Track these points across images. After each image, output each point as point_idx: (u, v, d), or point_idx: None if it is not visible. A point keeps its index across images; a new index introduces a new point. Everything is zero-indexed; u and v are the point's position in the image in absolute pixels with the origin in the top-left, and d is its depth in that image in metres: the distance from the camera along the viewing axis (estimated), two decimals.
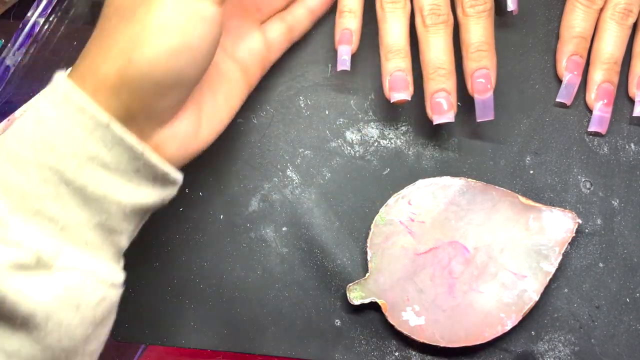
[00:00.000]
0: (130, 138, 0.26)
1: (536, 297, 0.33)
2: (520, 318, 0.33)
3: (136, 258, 0.36)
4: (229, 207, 0.37)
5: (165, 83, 0.27)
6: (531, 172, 0.36)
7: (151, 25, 0.26)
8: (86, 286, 0.26)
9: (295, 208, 0.36)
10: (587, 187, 0.36)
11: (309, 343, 0.35)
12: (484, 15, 0.32)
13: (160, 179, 0.28)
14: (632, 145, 0.37)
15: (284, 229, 0.36)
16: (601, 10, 0.37)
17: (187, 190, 0.37)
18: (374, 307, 0.34)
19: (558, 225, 0.34)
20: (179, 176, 0.30)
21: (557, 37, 0.38)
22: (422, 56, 0.33)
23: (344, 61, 0.35)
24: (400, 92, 0.33)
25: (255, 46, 0.34)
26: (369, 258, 0.34)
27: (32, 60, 0.38)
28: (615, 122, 0.37)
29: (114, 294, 0.28)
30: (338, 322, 0.35)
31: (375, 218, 0.35)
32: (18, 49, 0.38)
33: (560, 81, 0.37)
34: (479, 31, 0.32)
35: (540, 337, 0.34)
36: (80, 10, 0.40)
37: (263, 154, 0.37)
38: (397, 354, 0.35)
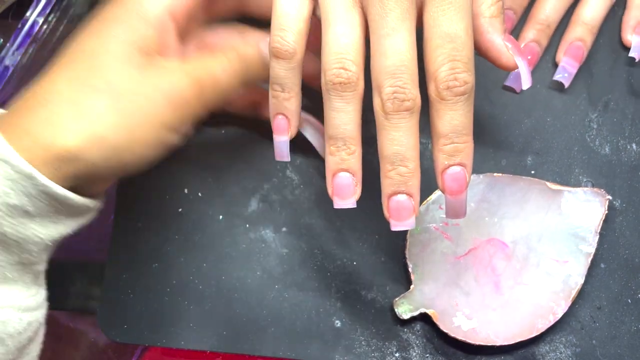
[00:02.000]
0: (54, 187, 0.26)
1: (581, 280, 0.33)
2: (569, 304, 0.33)
3: (135, 258, 0.36)
4: (228, 208, 0.37)
5: (104, 177, 0.28)
6: (532, 172, 0.36)
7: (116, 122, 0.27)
8: (9, 320, 0.26)
9: (295, 208, 0.36)
10: (589, 187, 0.36)
11: (309, 344, 0.35)
12: (462, 98, 0.25)
13: (80, 211, 0.28)
14: (634, 146, 0.37)
15: (284, 229, 0.36)
16: None
17: (186, 191, 0.37)
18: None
19: (589, 205, 0.34)
20: (100, 204, 0.30)
21: (557, 35, 0.37)
22: (380, 147, 0.27)
23: (281, 152, 0.31)
24: (344, 200, 0.28)
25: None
26: (410, 270, 0.34)
27: (31, 60, 0.38)
28: (616, 122, 0.37)
29: (39, 314, 0.28)
30: (338, 323, 0.35)
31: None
32: (17, 48, 0.38)
33: (560, 80, 0.37)
34: (455, 119, 0.26)
35: (541, 338, 0.34)
36: (79, 10, 0.40)
37: (262, 154, 0.37)
38: (397, 354, 0.35)
